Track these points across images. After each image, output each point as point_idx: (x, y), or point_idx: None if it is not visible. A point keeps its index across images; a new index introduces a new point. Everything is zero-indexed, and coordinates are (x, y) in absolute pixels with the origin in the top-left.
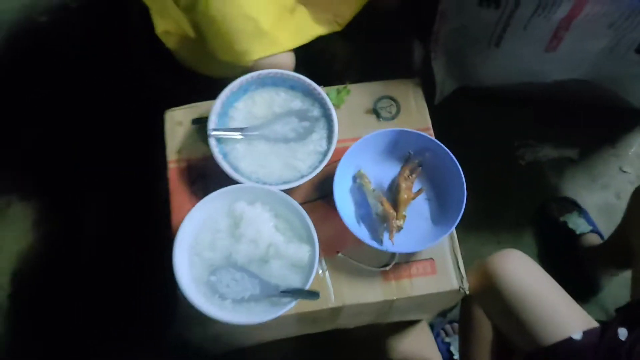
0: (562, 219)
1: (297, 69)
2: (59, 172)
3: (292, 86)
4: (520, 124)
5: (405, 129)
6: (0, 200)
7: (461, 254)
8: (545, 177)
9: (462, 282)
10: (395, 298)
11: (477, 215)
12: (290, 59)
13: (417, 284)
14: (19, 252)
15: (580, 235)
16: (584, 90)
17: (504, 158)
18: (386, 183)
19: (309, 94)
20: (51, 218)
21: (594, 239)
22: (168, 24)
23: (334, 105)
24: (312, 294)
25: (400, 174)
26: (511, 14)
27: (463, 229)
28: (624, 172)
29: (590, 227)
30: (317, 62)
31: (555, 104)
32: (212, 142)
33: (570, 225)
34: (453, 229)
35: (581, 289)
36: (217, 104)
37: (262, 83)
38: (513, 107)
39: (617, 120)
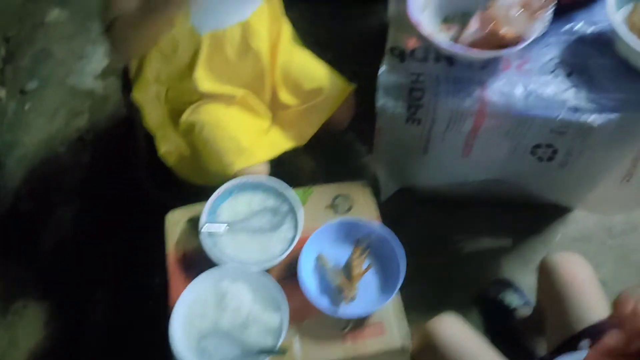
0: (499, 297)
1: (276, 174)
2: (71, 275)
3: (267, 188)
4: (460, 218)
5: (356, 219)
6: (18, 302)
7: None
8: (485, 263)
9: (405, 342)
10: (352, 357)
11: (425, 297)
12: (266, 168)
13: (370, 344)
14: (33, 348)
15: (515, 309)
16: (506, 187)
17: (447, 248)
18: (342, 261)
19: (280, 194)
20: (62, 315)
21: (527, 311)
22: (169, 145)
23: (300, 202)
24: (281, 352)
25: (352, 254)
26: (431, 129)
27: (415, 310)
28: None
29: (523, 300)
30: (290, 168)
31: (490, 201)
32: (203, 235)
33: (506, 302)
34: (393, 296)
35: (518, 355)
36: (207, 205)
37: (243, 187)
38: (453, 204)
39: (543, 212)
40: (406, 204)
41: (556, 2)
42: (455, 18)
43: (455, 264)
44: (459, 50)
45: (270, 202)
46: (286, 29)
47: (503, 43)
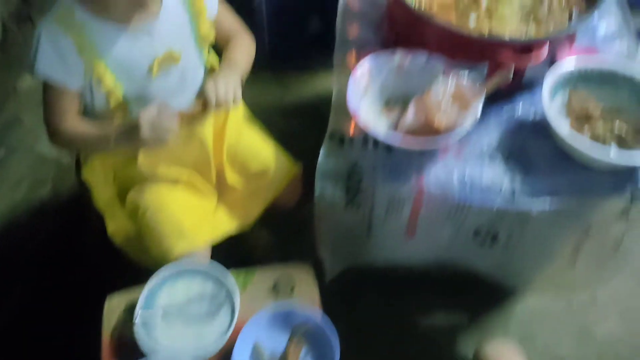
0: None
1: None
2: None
3: (206, 274)
4: (412, 294)
5: (291, 306)
6: None
7: None
8: (439, 340)
9: None
10: None
11: None
12: (206, 253)
13: None
14: None
15: None
16: (456, 266)
17: (399, 324)
18: (279, 351)
19: (218, 279)
20: None
21: None
22: (116, 225)
23: (240, 286)
24: None
25: (288, 343)
26: (371, 213)
27: None
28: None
29: None
30: (244, 243)
31: (444, 276)
32: (137, 325)
33: None
34: None
35: None
36: (144, 292)
37: (181, 273)
38: (404, 280)
39: (500, 287)
40: (356, 280)
41: (492, 91)
42: (398, 101)
43: (407, 340)
44: (392, 141)
45: (209, 288)
46: (236, 108)
47: (438, 131)
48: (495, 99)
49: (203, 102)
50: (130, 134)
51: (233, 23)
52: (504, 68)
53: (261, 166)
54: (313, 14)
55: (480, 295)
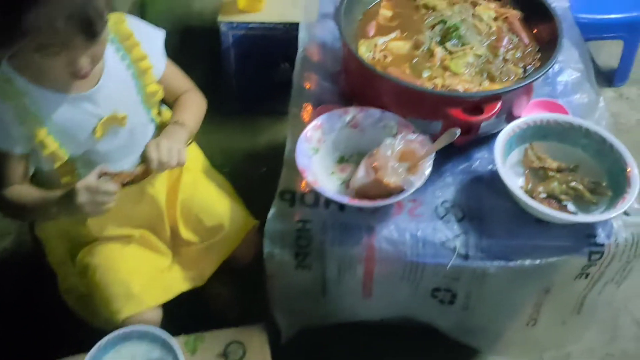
0: None
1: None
2: None
3: (153, 338)
4: (374, 352)
5: None
6: None
7: None
8: None
9: None
10: None
11: None
12: (157, 314)
13: None
14: None
15: None
16: (419, 323)
17: None
18: None
19: (166, 344)
20: None
21: None
22: (68, 284)
23: (190, 350)
24: None
25: None
26: (324, 274)
27: None
28: None
29: None
30: (203, 299)
31: (409, 335)
32: None
33: None
34: None
35: None
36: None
37: (128, 337)
38: (367, 337)
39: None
40: (315, 338)
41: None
42: (351, 158)
43: None
44: (340, 199)
45: (156, 353)
46: (193, 160)
47: (388, 191)
48: (451, 154)
49: (145, 166)
50: (68, 202)
51: (182, 81)
52: (456, 124)
53: (216, 221)
54: (281, 60)
55: (448, 351)
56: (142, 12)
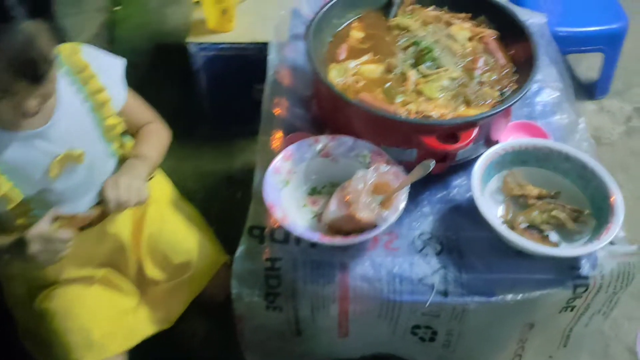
0: None
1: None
2: None
3: None
4: None
5: None
6: None
7: None
8: None
9: None
10: None
11: None
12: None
13: None
14: None
15: None
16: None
17: None
18: None
19: None
20: None
21: None
22: (26, 327)
23: None
24: None
25: None
26: (296, 314)
27: None
28: None
29: None
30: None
31: None
32: None
33: None
34: None
35: None
36: None
37: None
38: None
39: None
40: None
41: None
42: (324, 189)
43: None
44: (310, 237)
45: None
46: (160, 191)
47: (361, 226)
48: (428, 182)
49: (103, 207)
50: (20, 251)
51: (144, 112)
52: (431, 153)
53: (183, 257)
54: (255, 81)
55: None
56: (112, 30)
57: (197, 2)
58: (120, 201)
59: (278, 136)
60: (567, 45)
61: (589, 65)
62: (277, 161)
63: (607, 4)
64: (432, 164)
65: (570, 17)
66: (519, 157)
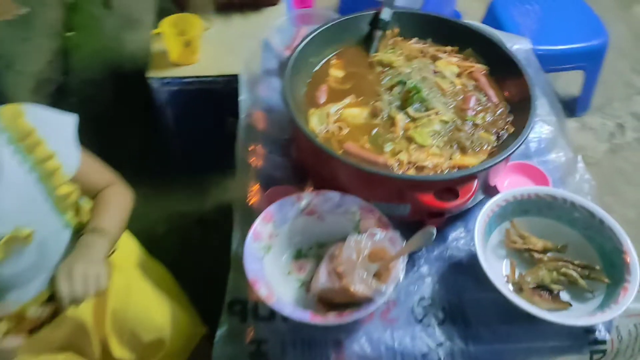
0: None
1: None
2: None
3: None
4: None
5: None
6: None
7: None
8: None
9: None
10: None
11: None
12: None
13: None
14: None
15: None
16: None
17: None
18: None
19: None
20: None
21: None
22: None
23: None
24: None
25: None
26: None
27: None
28: None
29: None
30: None
31: None
32: None
33: None
34: None
35: None
36: None
37: None
38: None
39: None
40: None
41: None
42: (310, 251)
43: None
44: (302, 317)
45: None
46: (125, 256)
47: (356, 299)
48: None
49: (56, 303)
50: None
51: (101, 174)
52: (427, 210)
53: (155, 334)
54: (226, 114)
55: None
56: (65, 59)
57: (158, 34)
58: (75, 296)
59: (256, 189)
60: (548, 64)
61: (567, 81)
62: (257, 225)
63: (586, 19)
64: (433, 232)
65: (550, 34)
66: (521, 207)
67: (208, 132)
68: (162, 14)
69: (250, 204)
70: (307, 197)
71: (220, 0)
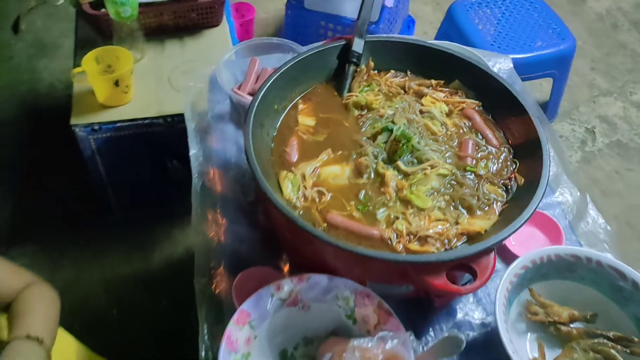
0: None
1: None
2: None
3: None
4: None
5: None
6: None
7: None
8: None
9: None
10: None
11: None
12: None
13: None
14: None
15: None
16: None
17: None
18: None
19: None
20: None
21: None
22: None
23: None
24: None
25: None
26: None
27: None
28: None
29: None
30: None
31: None
32: None
33: None
34: None
35: None
36: None
37: None
38: None
39: None
40: None
41: None
42: (297, 350)
43: None
44: None
45: None
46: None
47: None
48: (429, 314)
49: None
50: None
51: (15, 276)
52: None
53: None
54: (168, 158)
55: None
56: None
57: (81, 73)
58: None
59: (221, 276)
60: (518, 72)
61: (531, 87)
62: (231, 331)
63: (550, 22)
64: (462, 340)
65: (515, 41)
66: (540, 272)
67: (148, 179)
68: (83, 44)
69: (216, 292)
70: (287, 285)
71: (150, 25)
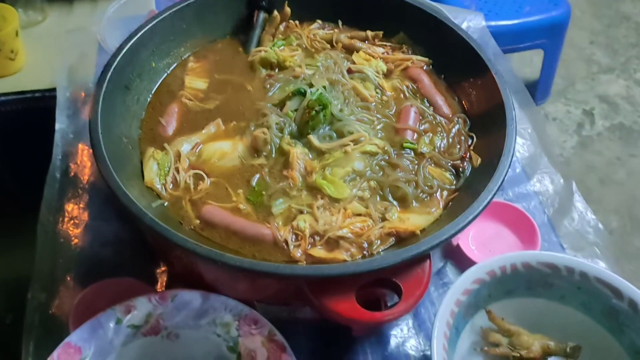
0: None
1: None
2: None
3: None
4: None
5: None
6: None
7: None
8: None
9: None
10: None
11: None
12: None
13: None
14: None
15: None
16: None
17: None
18: None
19: None
20: None
21: None
22: None
23: None
24: None
25: None
26: None
27: None
28: None
29: None
30: None
31: None
32: None
33: None
34: None
35: None
36: None
37: None
38: None
39: None
40: None
41: None
42: None
43: None
44: None
45: None
46: None
47: None
48: (354, 345)
49: None
50: None
51: None
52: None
53: None
54: None
55: None
56: None
57: None
58: None
59: (68, 286)
60: (500, 44)
61: (520, 62)
62: None
63: None
64: None
65: (500, 5)
66: (503, 287)
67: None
68: None
69: (52, 312)
70: (143, 306)
71: None
